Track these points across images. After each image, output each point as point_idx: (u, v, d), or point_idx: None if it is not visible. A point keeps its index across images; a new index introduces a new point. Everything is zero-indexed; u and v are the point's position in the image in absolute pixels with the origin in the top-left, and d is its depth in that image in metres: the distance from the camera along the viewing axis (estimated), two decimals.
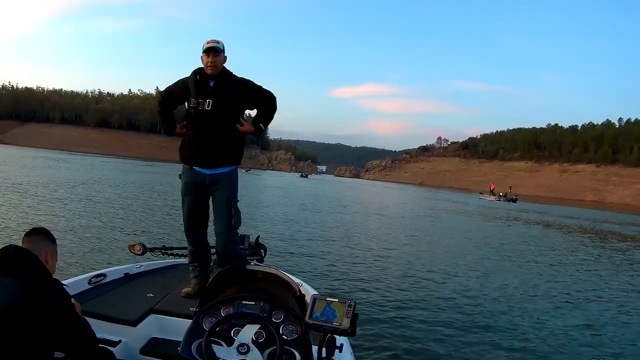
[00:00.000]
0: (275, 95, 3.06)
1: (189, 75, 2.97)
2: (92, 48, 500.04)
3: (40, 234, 1.84)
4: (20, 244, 1.74)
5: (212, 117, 2.84)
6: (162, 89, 3.14)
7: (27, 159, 41.17)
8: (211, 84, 2.86)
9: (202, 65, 2.92)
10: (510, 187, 60.51)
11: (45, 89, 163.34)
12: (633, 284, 9.29)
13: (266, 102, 3.04)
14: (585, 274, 10.02)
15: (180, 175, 3.01)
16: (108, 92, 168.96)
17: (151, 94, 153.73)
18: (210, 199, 2.98)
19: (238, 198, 2.98)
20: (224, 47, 2.89)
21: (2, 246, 1.67)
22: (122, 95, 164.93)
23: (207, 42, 2.86)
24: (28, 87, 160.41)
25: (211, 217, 3.02)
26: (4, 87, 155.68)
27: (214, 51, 2.83)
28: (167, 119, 3.10)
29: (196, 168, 2.91)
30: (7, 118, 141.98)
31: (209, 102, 2.83)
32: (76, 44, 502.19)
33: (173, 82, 3.03)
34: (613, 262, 12.27)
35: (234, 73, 2.97)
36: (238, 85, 2.92)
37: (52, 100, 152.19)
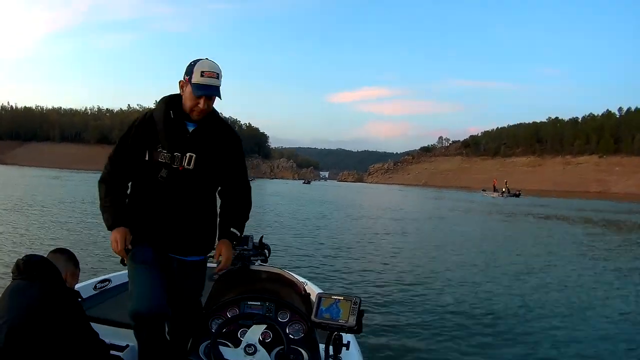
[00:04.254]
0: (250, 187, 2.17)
1: (155, 107, 2.01)
2: (90, 64, 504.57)
3: (64, 254, 1.91)
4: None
5: (194, 180, 1.93)
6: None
7: (29, 179, 41.35)
8: (191, 129, 1.95)
9: (178, 93, 1.97)
10: (505, 181, 60.61)
11: (44, 108, 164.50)
12: None
13: (239, 196, 2.10)
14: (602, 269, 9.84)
15: (127, 247, 1.93)
16: (107, 108, 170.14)
17: (150, 107, 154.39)
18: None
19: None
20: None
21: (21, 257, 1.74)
22: (121, 111, 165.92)
23: (205, 73, 1.84)
24: (27, 106, 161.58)
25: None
26: (3, 107, 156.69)
27: (215, 95, 1.90)
28: (112, 203, 1.95)
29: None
30: (7, 138, 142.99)
31: (191, 157, 1.91)
32: (73, 61, 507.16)
33: (126, 130, 2.00)
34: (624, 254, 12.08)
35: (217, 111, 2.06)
36: (224, 132, 2.04)
37: (52, 118, 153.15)
